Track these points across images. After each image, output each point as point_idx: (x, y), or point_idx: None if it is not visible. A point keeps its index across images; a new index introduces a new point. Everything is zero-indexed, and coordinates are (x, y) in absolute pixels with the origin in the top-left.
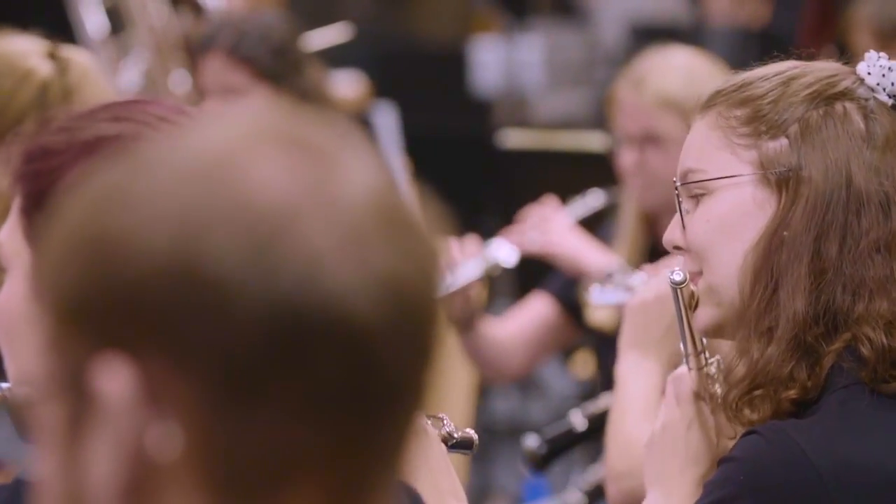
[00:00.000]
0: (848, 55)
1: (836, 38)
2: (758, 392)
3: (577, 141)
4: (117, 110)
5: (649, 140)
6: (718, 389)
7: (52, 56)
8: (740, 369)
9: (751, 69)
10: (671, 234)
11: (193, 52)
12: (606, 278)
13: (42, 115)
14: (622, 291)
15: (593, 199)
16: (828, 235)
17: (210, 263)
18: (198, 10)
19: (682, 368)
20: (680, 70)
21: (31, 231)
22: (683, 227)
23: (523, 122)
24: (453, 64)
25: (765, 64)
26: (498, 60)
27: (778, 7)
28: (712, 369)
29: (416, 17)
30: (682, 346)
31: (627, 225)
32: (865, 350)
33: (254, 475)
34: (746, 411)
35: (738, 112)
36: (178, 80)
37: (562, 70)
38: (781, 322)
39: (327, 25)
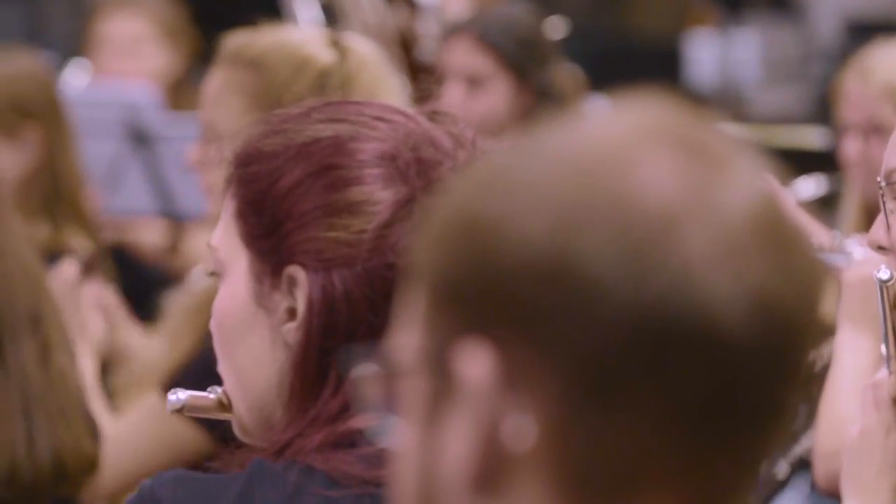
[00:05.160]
0: None
1: None
2: None
3: (794, 137)
4: (331, 111)
5: (874, 130)
6: None
7: (334, 44)
8: None
9: None
10: (875, 234)
11: (409, 47)
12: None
13: None
14: (839, 255)
15: (816, 186)
16: None
17: (585, 261)
18: (412, 6)
19: (882, 373)
20: None
21: (247, 235)
22: (888, 226)
23: (739, 118)
24: (668, 59)
25: None
26: (713, 56)
27: None
28: None
29: (632, 12)
30: (883, 347)
31: (850, 215)
32: None
33: (605, 477)
34: None
35: None
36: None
37: (777, 66)
38: None
39: (543, 21)
